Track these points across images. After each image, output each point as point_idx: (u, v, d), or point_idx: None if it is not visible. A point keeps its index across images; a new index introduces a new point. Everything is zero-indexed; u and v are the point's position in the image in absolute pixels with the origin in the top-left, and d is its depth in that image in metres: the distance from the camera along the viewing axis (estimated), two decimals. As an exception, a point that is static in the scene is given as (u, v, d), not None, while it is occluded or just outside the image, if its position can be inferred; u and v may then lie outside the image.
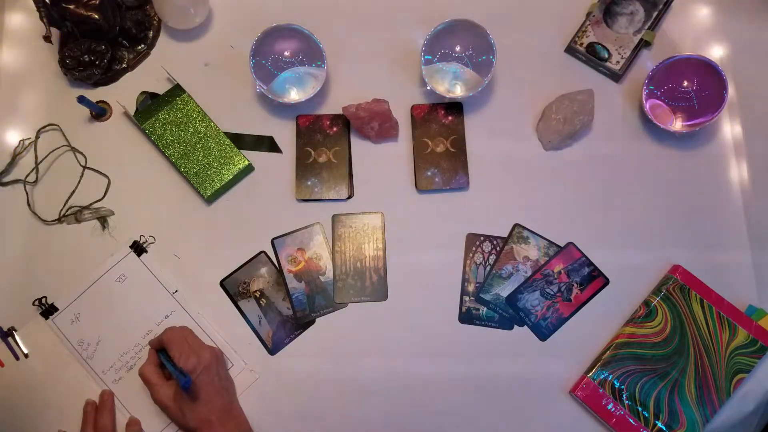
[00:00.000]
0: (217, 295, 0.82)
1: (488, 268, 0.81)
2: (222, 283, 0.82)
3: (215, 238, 0.83)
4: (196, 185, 0.83)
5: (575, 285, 0.81)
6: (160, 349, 0.77)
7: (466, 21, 0.82)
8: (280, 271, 0.82)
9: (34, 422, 0.79)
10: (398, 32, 0.88)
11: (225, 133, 0.84)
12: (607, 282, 0.81)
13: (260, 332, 0.81)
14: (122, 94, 0.86)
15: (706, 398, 0.76)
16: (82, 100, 0.81)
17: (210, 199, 0.83)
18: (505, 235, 0.82)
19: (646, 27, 0.86)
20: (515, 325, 0.80)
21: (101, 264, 0.82)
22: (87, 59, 0.85)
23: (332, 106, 0.86)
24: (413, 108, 0.86)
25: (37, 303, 0.81)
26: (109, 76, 0.87)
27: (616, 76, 0.86)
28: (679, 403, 0.76)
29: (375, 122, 0.82)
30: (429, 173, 0.83)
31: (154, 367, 0.76)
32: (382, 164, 0.84)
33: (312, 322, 0.81)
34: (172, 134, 0.84)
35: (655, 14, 0.86)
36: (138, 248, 0.82)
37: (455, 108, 0.85)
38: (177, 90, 0.85)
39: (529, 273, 0.81)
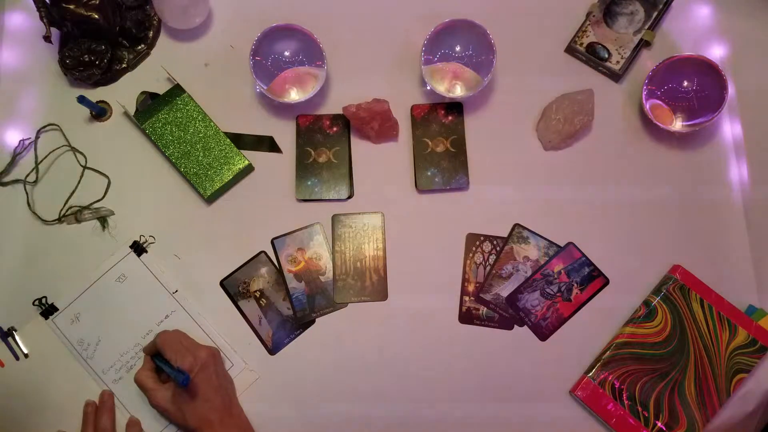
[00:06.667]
0: (217, 295, 0.82)
1: (488, 268, 0.81)
2: (222, 283, 0.82)
3: (215, 238, 0.83)
4: (196, 185, 0.83)
5: (575, 285, 0.81)
6: (155, 354, 0.77)
7: (466, 21, 0.82)
8: (280, 271, 0.82)
9: (34, 422, 0.79)
10: (398, 32, 0.88)
11: (225, 133, 0.84)
12: (607, 282, 0.81)
13: (260, 332, 0.81)
14: (122, 94, 0.86)
15: (706, 398, 0.76)
16: (82, 100, 0.81)
17: (210, 199, 0.83)
18: (505, 235, 0.82)
19: (646, 27, 0.86)
20: (515, 325, 0.80)
21: (101, 264, 0.82)
22: (87, 59, 0.85)
23: (332, 106, 0.86)
24: (413, 108, 0.86)
25: (37, 303, 0.81)
26: (109, 76, 0.87)
27: (616, 76, 0.86)
28: (679, 403, 0.76)
29: (375, 122, 0.82)
30: (429, 173, 0.83)
31: (149, 371, 0.76)
32: (382, 164, 0.84)
33: (312, 322, 0.81)
34: (172, 134, 0.84)
35: (655, 14, 0.86)
36: (138, 248, 0.82)
37: (455, 108, 0.85)
38: (177, 90, 0.85)
39: (529, 273, 0.81)
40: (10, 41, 0.89)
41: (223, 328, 0.81)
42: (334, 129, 0.85)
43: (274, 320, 0.81)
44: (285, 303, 0.81)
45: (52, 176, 0.85)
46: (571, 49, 0.87)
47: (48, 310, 0.81)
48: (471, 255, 0.82)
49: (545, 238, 0.82)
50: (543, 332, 0.80)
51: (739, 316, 0.77)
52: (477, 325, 0.80)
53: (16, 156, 0.85)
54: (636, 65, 0.87)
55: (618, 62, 0.85)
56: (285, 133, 0.86)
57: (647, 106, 0.82)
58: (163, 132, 0.84)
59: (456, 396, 0.78)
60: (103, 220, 0.83)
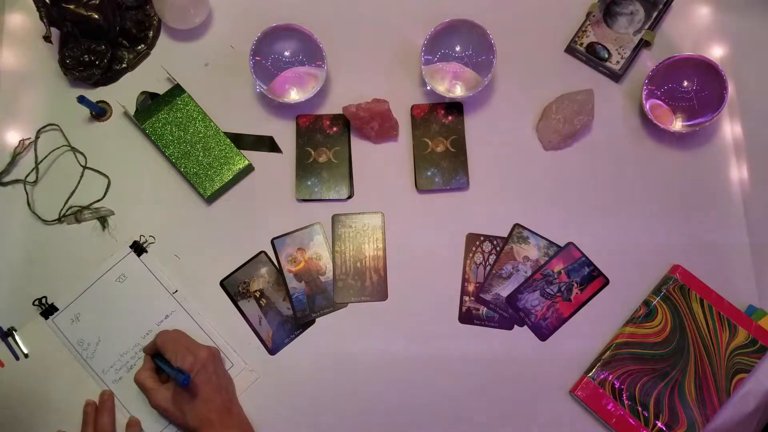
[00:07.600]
0: (217, 295, 0.82)
1: (488, 268, 0.81)
2: (222, 283, 0.82)
3: (215, 238, 0.83)
4: (196, 185, 0.83)
5: (575, 285, 0.81)
6: (155, 354, 0.77)
7: (466, 21, 0.82)
8: (280, 271, 0.82)
9: (34, 422, 0.79)
10: (398, 32, 0.88)
11: (225, 133, 0.84)
12: (607, 282, 0.81)
13: (260, 332, 0.81)
14: (122, 94, 0.86)
15: (706, 398, 0.76)
16: (82, 100, 0.81)
17: (210, 199, 0.83)
18: (505, 235, 0.82)
19: (646, 27, 0.86)
20: (515, 325, 0.80)
21: (101, 264, 0.82)
22: (87, 59, 0.85)
23: (332, 106, 0.86)
24: (413, 108, 0.86)
25: (37, 303, 0.81)
26: (109, 76, 0.87)
27: (616, 76, 0.86)
28: (679, 403, 0.76)
29: (375, 122, 0.82)
30: (429, 173, 0.83)
31: (149, 372, 0.76)
32: (382, 164, 0.84)
33: (312, 322, 0.81)
34: (172, 134, 0.84)
35: (655, 14, 0.86)
36: (138, 248, 0.82)
37: (455, 108, 0.85)
38: (177, 90, 0.85)
39: (529, 273, 0.81)
40: (10, 41, 0.89)
41: (223, 328, 0.81)
42: (334, 129, 0.85)
43: (274, 320, 0.81)
44: (285, 303, 0.81)
45: (52, 176, 0.85)
46: (571, 49, 0.87)
47: (48, 310, 0.81)
48: (471, 255, 0.82)
49: (545, 238, 0.82)
50: (543, 332, 0.80)
51: (739, 316, 0.77)
52: (477, 325, 0.80)
53: (16, 156, 0.85)
54: (636, 65, 0.87)
55: (618, 62, 0.85)
56: (285, 133, 0.86)
57: (647, 106, 0.82)
58: (163, 132, 0.84)
59: (456, 396, 0.78)
60: (103, 220, 0.83)
